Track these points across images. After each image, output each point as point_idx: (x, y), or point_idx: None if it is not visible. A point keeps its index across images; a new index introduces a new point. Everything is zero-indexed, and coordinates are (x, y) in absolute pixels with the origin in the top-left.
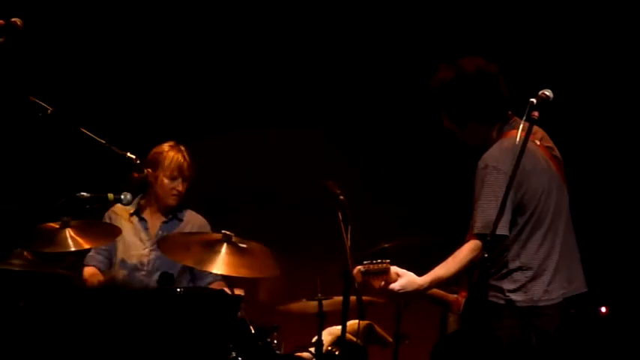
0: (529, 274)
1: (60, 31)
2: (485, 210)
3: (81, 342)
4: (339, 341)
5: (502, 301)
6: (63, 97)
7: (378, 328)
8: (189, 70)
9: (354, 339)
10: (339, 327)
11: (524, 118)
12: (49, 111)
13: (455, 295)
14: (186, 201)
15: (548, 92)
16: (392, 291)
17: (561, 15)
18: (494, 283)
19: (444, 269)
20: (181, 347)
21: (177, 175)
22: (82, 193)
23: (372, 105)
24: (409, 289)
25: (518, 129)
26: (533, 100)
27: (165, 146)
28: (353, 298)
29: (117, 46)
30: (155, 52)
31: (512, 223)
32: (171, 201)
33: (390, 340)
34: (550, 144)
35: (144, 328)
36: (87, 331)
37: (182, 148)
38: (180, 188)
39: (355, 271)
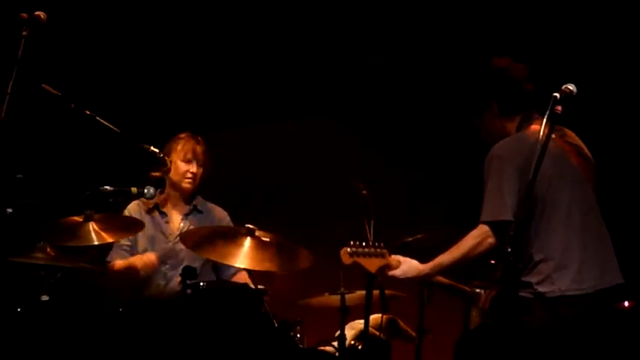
0: (552, 264)
1: (80, 26)
2: (490, 198)
3: (101, 335)
4: (362, 335)
5: (531, 295)
6: (83, 91)
7: (401, 323)
8: (204, 64)
9: (377, 333)
10: (362, 321)
11: (548, 112)
12: (72, 105)
13: (479, 290)
14: (206, 193)
15: (571, 87)
16: (393, 277)
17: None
18: (523, 279)
19: (446, 256)
20: (204, 342)
21: (190, 158)
22: (106, 187)
23: (394, 96)
24: (410, 274)
25: (539, 125)
26: (557, 94)
27: (181, 134)
28: (376, 292)
29: (136, 42)
30: (174, 47)
31: (530, 213)
32: (186, 184)
33: (414, 334)
34: (575, 141)
35: (168, 322)
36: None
37: (198, 137)
38: (194, 170)
39: (342, 251)
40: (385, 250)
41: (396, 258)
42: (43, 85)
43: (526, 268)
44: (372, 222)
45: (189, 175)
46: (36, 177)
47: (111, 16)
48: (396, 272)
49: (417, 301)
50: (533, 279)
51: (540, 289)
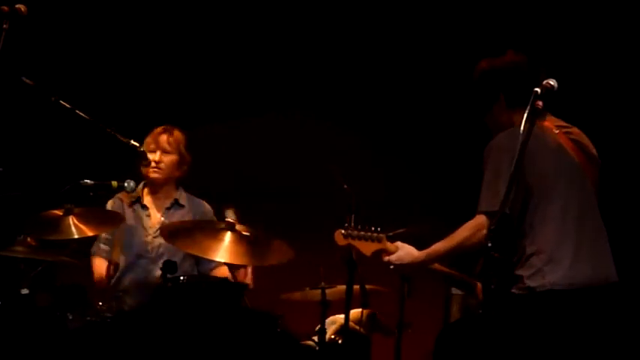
0: (544, 257)
1: (61, 18)
2: (487, 188)
3: (85, 330)
4: (342, 330)
5: (522, 291)
6: (65, 85)
7: (381, 317)
8: (192, 59)
9: (357, 327)
10: (343, 315)
11: (528, 107)
12: (52, 98)
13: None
14: (188, 187)
15: (552, 82)
16: (388, 262)
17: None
18: (516, 272)
19: (441, 244)
20: (185, 336)
21: (154, 148)
22: (86, 181)
23: (382, 91)
24: (406, 260)
25: (546, 120)
26: (538, 89)
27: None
28: (356, 286)
29: (122, 37)
30: (159, 41)
31: (524, 207)
32: (152, 173)
33: (393, 328)
34: (581, 139)
35: (147, 317)
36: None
37: (173, 129)
38: (156, 159)
39: (336, 233)
40: (383, 235)
41: (394, 244)
42: (22, 77)
43: (519, 261)
44: (353, 216)
45: (153, 165)
46: (16, 170)
47: (96, 9)
48: (392, 258)
49: (397, 295)
50: (524, 272)
51: (530, 283)
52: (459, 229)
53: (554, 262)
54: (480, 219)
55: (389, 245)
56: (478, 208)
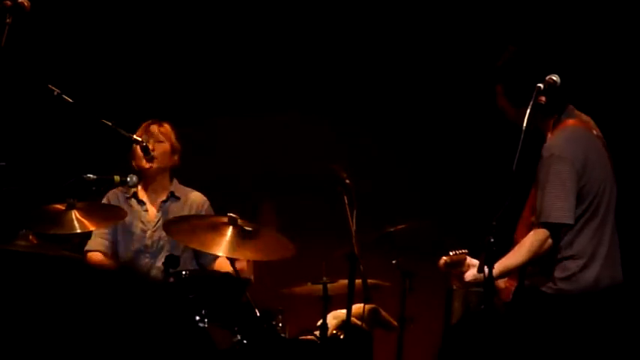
0: (580, 263)
1: (63, 16)
2: (552, 198)
3: (87, 324)
4: (344, 325)
5: (552, 291)
6: (67, 81)
7: (383, 312)
8: (187, 59)
9: (359, 323)
10: (344, 311)
11: (531, 102)
12: (55, 92)
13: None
14: (184, 179)
15: (555, 77)
16: (464, 281)
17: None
18: (546, 272)
19: (511, 259)
20: (187, 330)
21: (146, 138)
22: (89, 175)
23: (377, 89)
24: (480, 278)
25: (575, 117)
26: (540, 85)
27: None
28: (358, 281)
29: (123, 33)
30: (161, 39)
31: None
32: (143, 163)
33: (395, 323)
34: (601, 135)
35: (150, 312)
36: (93, 313)
37: (163, 121)
38: (150, 147)
39: (441, 262)
40: (465, 255)
41: (468, 261)
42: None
43: (552, 260)
44: (355, 212)
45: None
46: (19, 165)
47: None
48: (468, 276)
49: (398, 290)
50: (558, 273)
51: (563, 285)
52: (526, 243)
53: (587, 268)
54: (546, 230)
55: (466, 264)
56: (542, 218)
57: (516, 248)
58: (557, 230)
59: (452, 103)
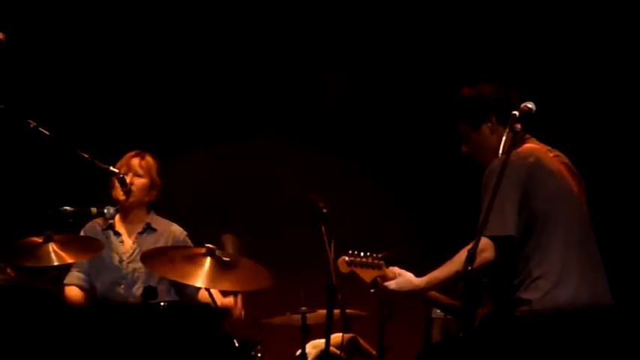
0: (553, 279)
1: (41, 48)
2: (492, 212)
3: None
4: (323, 354)
5: (527, 313)
6: (44, 113)
7: (362, 341)
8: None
9: (338, 352)
10: (323, 340)
11: (507, 129)
12: (31, 125)
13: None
14: (160, 210)
15: (530, 105)
16: (386, 288)
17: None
18: (521, 296)
19: (441, 271)
20: None
21: (126, 171)
22: (65, 207)
23: (362, 114)
24: (405, 288)
25: (530, 143)
26: (516, 112)
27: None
28: (337, 311)
29: (96, 63)
30: (136, 69)
31: (528, 230)
32: (119, 195)
33: (374, 352)
34: (567, 160)
35: (127, 343)
36: (70, 347)
37: (146, 154)
38: (127, 180)
39: (340, 260)
40: (382, 262)
41: (393, 270)
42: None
43: (523, 283)
44: (332, 240)
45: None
46: None
47: (76, 35)
48: (391, 284)
49: (377, 319)
50: (530, 295)
51: (537, 306)
52: (458, 255)
53: (562, 285)
54: (484, 243)
55: (388, 271)
56: (483, 232)
57: (448, 261)
58: (498, 243)
59: (430, 128)
